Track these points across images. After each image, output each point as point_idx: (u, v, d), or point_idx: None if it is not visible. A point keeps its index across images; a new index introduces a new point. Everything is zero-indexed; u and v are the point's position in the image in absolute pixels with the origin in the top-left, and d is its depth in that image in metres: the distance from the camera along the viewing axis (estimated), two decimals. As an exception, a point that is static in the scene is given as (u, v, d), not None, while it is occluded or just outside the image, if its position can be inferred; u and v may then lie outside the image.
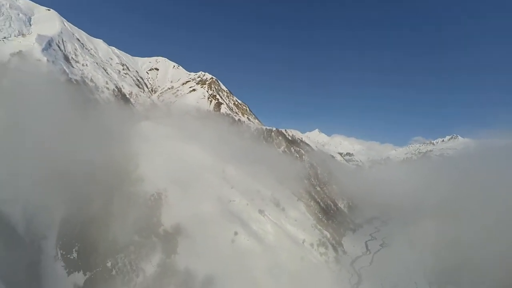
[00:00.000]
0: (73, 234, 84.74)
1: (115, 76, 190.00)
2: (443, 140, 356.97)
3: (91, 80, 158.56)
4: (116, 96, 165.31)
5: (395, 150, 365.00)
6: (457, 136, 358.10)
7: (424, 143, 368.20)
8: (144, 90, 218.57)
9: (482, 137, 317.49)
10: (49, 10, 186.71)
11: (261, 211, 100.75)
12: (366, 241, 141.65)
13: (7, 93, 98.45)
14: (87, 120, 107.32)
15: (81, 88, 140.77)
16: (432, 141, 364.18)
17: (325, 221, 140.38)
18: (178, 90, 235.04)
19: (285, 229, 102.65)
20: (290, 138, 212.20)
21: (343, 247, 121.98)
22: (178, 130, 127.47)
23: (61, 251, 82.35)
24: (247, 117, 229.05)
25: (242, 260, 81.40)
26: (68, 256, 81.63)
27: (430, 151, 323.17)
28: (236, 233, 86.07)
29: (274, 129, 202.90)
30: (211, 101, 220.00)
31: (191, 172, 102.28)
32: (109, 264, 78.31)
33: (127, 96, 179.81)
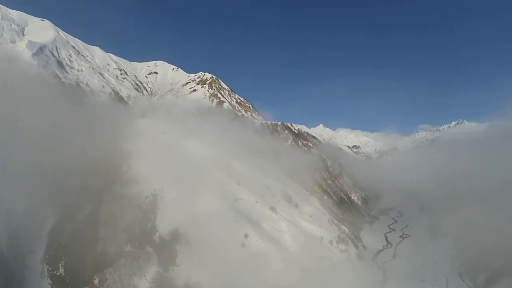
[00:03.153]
0: (60, 246, 69.01)
1: (112, 80, 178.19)
2: (449, 126, 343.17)
3: (87, 85, 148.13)
4: (113, 99, 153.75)
5: (401, 139, 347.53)
6: (463, 121, 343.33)
7: (430, 130, 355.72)
8: (143, 94, 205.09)
9: (488, 120, 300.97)
10: (43, 20, 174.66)
11: (272, 209, 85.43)
12: (385, 233, 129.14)
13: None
14: (79, 120, 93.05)
15: (75, 91, 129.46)
16: (439, 128, 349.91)
17: (341, 215, 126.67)
18: (178, 92, 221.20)
19: (301, 226, 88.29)
20: (296, 131, 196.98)
21: (362, 242, 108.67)
22: (177, 126, 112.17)
23: (48, 267, 66.50)
24: (251, 114, 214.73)
25: (256, 266, 65.29)
26: (55, 272, 65.83)
27: (438, 137, 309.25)
28: (246, 236, 69.64)
29: (279, 123, 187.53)
30: (212, 100, 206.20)
31: (192, 169, 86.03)
32: (96, 281, 62.44)
33: (125, 99, 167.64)
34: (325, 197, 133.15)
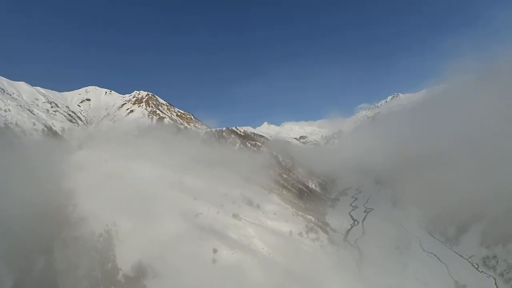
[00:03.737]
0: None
1: (43, 115, 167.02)
2: (386, 101, 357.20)
3: (16, 125, 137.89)
4: (46, 135, 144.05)
5: (344, 122, 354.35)
6: (398, 94, 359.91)
7: (369, 108, 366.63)
8: (78, 124, 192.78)
9: (422, 88, 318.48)
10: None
11: (235, 216, 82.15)
12: (350, 212, 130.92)
13: None
14: (12, 165, 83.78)
15: (4, 134, 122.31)
16: (377, 104, 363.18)
17: (303, 205, 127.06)
18: (115, 116, 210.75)
19: (268, 226, 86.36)
20: (242, 134, 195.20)
21: (330, 226, 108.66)
22: (119, 152, 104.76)
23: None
24: (194, 125, 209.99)
25: (233, 279, 61.08)
26: None
27: (378, 113, 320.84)
28: (215, 250, 64.83)
29: (224, 128, 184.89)
30: (152, 118, 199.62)
31: (143, 194, 79.43)
32: None
33: (59, 133, 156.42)
34: (284, 192, 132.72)
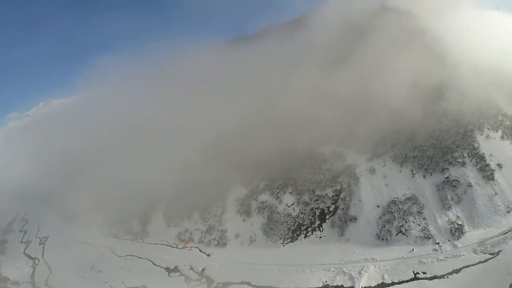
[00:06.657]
0: None
1: None
2: (37, 108, 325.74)
3: None
4: None
5: None
6: (50, 99, 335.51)
7: (19, 118, 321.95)
8: None
9: (77, 90, 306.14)
10: None
11: None
12: (25, 251, 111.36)
13: None
14: None
15: None
16: (28, 113, 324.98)
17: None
18: None
19: None
20: None
21: (10, 280, 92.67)
22: None
23: None
24: None
25: None
26: None
27: (29, 122, 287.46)
28: None
29: None
30: None
31: None
32: None
33: None
34: None
